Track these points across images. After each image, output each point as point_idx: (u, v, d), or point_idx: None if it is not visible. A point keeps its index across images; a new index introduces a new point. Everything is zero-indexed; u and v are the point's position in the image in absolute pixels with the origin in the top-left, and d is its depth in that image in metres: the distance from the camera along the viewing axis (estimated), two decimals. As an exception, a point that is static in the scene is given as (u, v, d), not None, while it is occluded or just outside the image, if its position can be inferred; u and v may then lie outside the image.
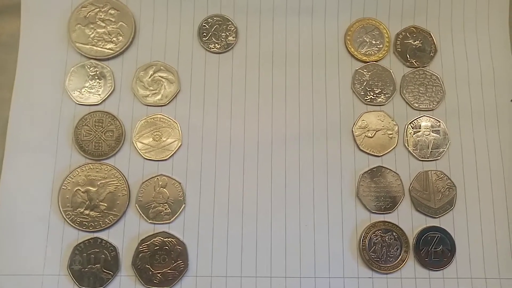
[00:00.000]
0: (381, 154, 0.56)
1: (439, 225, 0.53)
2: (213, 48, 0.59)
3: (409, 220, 0.55)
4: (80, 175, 0.55)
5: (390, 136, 0.57)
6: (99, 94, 0.58)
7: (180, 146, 0.57)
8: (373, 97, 0.59)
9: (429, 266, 0.51)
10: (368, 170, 0.54)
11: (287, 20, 0.62)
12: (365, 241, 0.51)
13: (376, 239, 0.52)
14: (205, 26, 0.60)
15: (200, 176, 0.56)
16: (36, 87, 0.59)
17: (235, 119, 0.58)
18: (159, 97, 0.58)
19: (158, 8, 0.61)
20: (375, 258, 0.52)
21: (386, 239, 0.53)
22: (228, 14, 0.61)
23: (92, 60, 0.59)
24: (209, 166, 0.56)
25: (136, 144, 0.56)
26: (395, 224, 0.52)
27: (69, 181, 0.55)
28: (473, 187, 0.55)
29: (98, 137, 0.56)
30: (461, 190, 0.54)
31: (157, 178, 0.55)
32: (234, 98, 0.59)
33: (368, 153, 0.56)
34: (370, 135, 0.57)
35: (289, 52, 0.62)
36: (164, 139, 0.57)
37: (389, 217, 0.54)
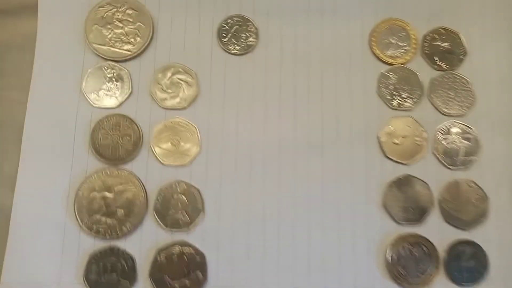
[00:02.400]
0: (409, 162, 0.51)
1: (471, 239, 0.49)
2: (233, 50, 0.56)
3: (439, 233, 0.51)
4: (96, 181, 0.52)
5: (418, 143, 0.54)
6: (116, 97, 0.55)
7: (199, 151, 0.53)
8: (400, 102, 0.55)
9: (460, 282, 0.48)
10: (395, 179, 0.50)
11: (310, 20, 0.59)
12: (392, 255, 0.47)
13: (404, 253, 0.48)
14: (224, 26, 0.56)
15: (220, 182, 0.53)
16: (52, 89, 0.56)
17: (256, 123, 0.55)
18: (177, 100, 0.55)
19: (176, 8, 0.58)
20: (403, 272, 0.48)
21: (415, 253, 0.49)
22: (249, 14, 0.59)
23: (109, 62, 0.56)
24: (229, 172, 0.53)
25: (154, 149, 0.53)
26: (424, 237, 0.49)
27: (85, 186, 0.52)
28: (507, 198, 0.51)
29: (115, 142, 0.54)
30: (494, 201, 0.50)
31: (176, 185, 0.52)
32: (255, 102, 0.56)
33: (395, 161, 0.52)
34: (397, 142, 0.53)
35: (311, 54, 0.59)
36: (183, 144, 0.53)
37: (418, 229, 0.50)
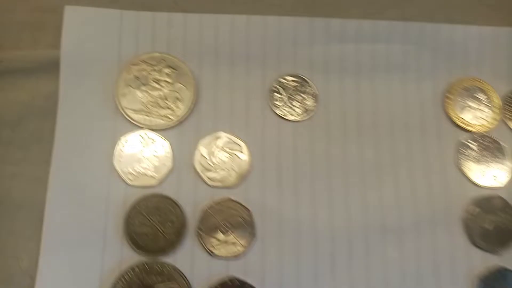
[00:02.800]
0: (502, 251, 0.43)
1: None
2: (288, 115, 0.49)
3: None
4: (133, 277, 0.43)
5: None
6: (155, 173, 0.45)
7: (254, 239, 0.44)
8: (485, 177, 0.47)
9: None
10: (486, 273, 0.42)
11: (375, 80, 0.50)
12: None
13: None
14: (277, 88, 0.48)
15: (281, 278, 0.45)
16: (77, 163, 0.47)
17: (319, 203, 0.48)
18: (226, 176, 0.48)
19: (221, 66, 0.51)
20: None
21: None
22: (305, 73, 0.50)
23: (146, 131, 0.46)
24: (290, 264, 0.46)
25: (201, 237, 0.44)
26: None
27: (119, 284, 0.42)
28: None
29: (155, 229, 0.45)
30: None
31: (227, 281, 0.43)
32: (316, 177, 0.48)
33: (484, 249, 0.43)
34: (486, 226, 0.45)
35: (378, 119, 0.52)
36: (234, 230, 0.44)
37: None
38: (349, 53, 0.52)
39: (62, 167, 0.46)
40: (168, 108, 0.49)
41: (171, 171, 0.47)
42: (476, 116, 0.51)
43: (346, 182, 0.48)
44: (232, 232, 0.44)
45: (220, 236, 0.46)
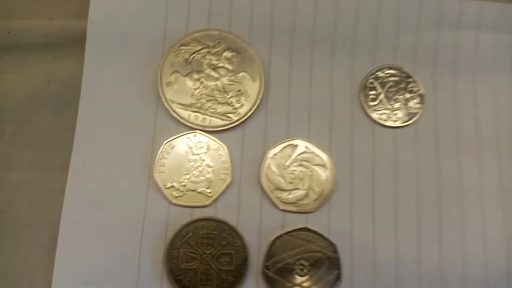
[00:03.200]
0: None
1: None
2: (385, 119, 0.39)
3: None
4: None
5: None
6: (208, 189, 0.37)
7: (339, 284, 0.36)
8: None
9: None
10: None
11: (497, 79, 0.40)
12: None
13: None
14: (372, 84, 0.35)
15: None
16: (103, 173, 0.37)
17: (426, 237, 0.38)
18: (302, 197, 0.37)
19: (298, 52, 0.40)
20: None
21: None
22: (407, 66, 0.40)
23: (197, 132, 0.35)
24: None
25: (269, 279, 0.34)
26: None
27: None
28: None
29: (207, 265, 0.35)
30: None
31: None
32: (423, 202, 0.38)
33: None
34: None
35: (501, 129, 0.40)
36: (313, 271, 0.36)
37: None
38: (467, 42, 0.41)
39: (82, 178, 0.37)
40: (228, 103, 0.37)
41: (229, 187, 0.37)
42: None
43: (461, 209, 0.38)
44: (310, 273, 0.32)
45: (295, 278, 0.33)
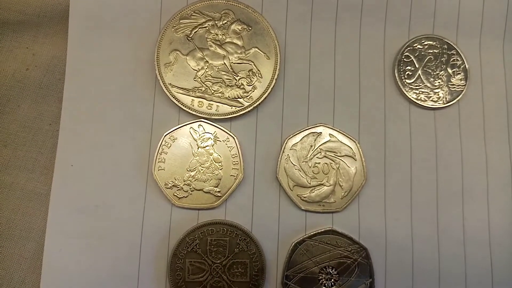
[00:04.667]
0: None
1: None
2: (424, 99, 0.34)
3: None
4: None
5: None
6: (216, 187, 0.32)
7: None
8: None
9: None
10: None
11: None
12: None
13: None
14: (408, 57, 0.33)
15: None
16: (94, 172, 0.32)
17: (475, 235, 0.33)
18: (327, 194, 0.33)
19: (318, 22, 0.35)
20: None
21: None
22: (450, 36, 0.33)
23: (202, 122, 0.31)
24: None
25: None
26: None
27: None
28: None
29: (217, 276, 0.31)
30: None
31: None
32: (470, 195, 0.34)
33: None
34: None
35: None
36: (342, 280, 0.33)
37: None
38: None
39: (70, 178, 0.32)
40: (238, 86, 0.31)
41: (240, 185, 0.33)
42: None
43: None
44: (338, 283, 0.32)
45: None
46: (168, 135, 0.32)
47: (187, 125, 0.32)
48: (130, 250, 0.31)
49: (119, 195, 0.31)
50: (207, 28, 0.34)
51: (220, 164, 0.32)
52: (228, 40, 0.33)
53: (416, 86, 0.34)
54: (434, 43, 0.34)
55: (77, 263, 0.30)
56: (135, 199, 0.31)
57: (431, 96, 0.33)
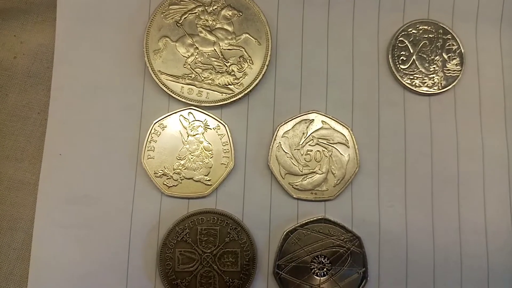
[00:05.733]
0: None
1: None
2: (419, 85, 0.33)
3: None
4: None
5: None
6: (207, 176, 0.31)
7: (365, 283, 0.31)
8: None
9: None
10: None
11: None
12: None
13: None
14: (403, 43, 0.33)
15: None
16: (83, 162, 0.32)
17: (472, 223, 0.33)
18: (319, 182, 0.32)
19: (310, 7, 0.34)
20: None
21: None
22: (445, 20, 0.32)
23: (192, 109, 0.31)
24: None
25: (282, 282, 0.28)
26: None
27: None
28: None
29: (208, 265, 0.31)
30: None
31: None
32: (466, 182, 0.33)
33: None
34: None
35: None
36: (335, 269, 0.32)
37: None
38: None
39: (58, 168, 0.32)
40: (228, 73, 0.31)
41: (231, 174, 0.32)
42: None
43: None
44: (330, 272, 0.31)
45: (313, 279, 0.28)
46: (157, 123, 0.32)
47: (177, 113, 0.32)
48: (120, 240, 0.31)
49: (108, 185, 0.31)
50: (197, 14, 0.33)
51: (210, 152, 0.32)
52: (218, 26, 0.33)
53: (411, 71, 0.33)
54: (429, 27, 0.33)
55: (66, 253, 0.30)
56: (124, 189, 0.31)
57: (426, 82, 0.33)
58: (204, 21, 0.33)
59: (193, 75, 0.32)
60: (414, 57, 0.33)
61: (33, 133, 0.32)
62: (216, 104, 0.32)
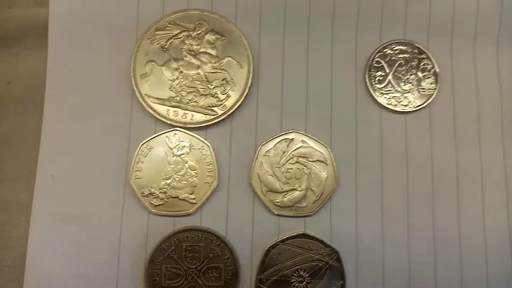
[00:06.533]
0: None
1: None
2: (395, 104, 0.35)
3: None
4: None
5: None
6: (192, 194, 0.33)
7: None
8: None
9: None
10: None
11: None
12: None
13: None
14: (379, 63, 0.35)
15: None
16: (73, 181, 0.33)
17: (447, 236, 0.34)
18: (299, 199, 0.33)
19: (292, 30, 0.36)
20: None
21: None
22: (420, 40, 0.34)
23: (177, 130, 0.33)
24: None
25: None
26: None
27: None
28: None
29: (193, 281, 0.32)
30: None
31: None
32: (440, 197, 0.34)
33: None
34: None
35: None
36: (314, 283, 0.33)
37: None
38: (489, 9, 0.36)
39: (51, 189, 0.33)
40: (212, 95, 0.33)
41: (215, 192, 0.34)
42: None
43: (484, 205, 0.34)
44: (310, 285, 0.33)
45: None
46: (144, 144, 0.33)
47: (163, 134, 0.33)
48: (109, 257, 0.32)
49: (98, 204, 0.33)
50: (182, 38, 0.34)
51: (195, 171, 0.33)
52: (202, 50, 0.34)
53: (387, 91, 0.34)
54: (405, 47, 0.35)
55: (59, 270, 0.32)
56: (113, 208, 0.33)
57: (401, 101, 0.34)
58: (188, 45, 0.34)
59: (178, 98, 0.34)
60: (390, 76, 0.34)
61: (27, 156, 0.33)
62: (201, 125, 0.34)
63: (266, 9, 0.35)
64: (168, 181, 0.33)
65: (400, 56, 0.35)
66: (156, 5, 0.35)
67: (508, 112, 0.35)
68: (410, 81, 0.34)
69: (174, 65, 0.34)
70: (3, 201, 0.33)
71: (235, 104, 0.34)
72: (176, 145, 0.33)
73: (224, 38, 0.34)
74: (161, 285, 0.32)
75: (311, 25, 0.35)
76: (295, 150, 0.34)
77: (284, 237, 0.33)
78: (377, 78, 0.34)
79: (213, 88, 0.34)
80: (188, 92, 0.34)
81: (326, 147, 0.34)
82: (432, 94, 0.34)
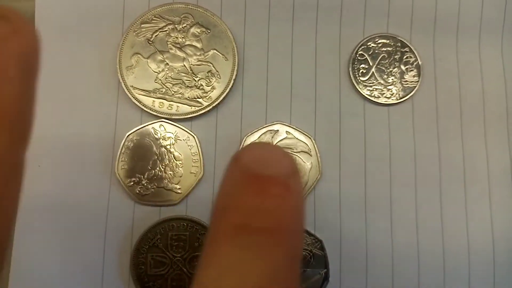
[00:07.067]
0: None
1: None
2: (378, 96, 0.35)
3: None
4: None
5: None
6: (177, 184, 0.33)
7: (326, 284, 0.29)
8: None
9: None
10: None
11: (508, 42, 0.36)
12: None
13: None
14: (362, 56, 0.35)
15: None
16: (60, 172, 0.34)
17: (427, 228, 0.34)
18: None
19: (276, 23, 0.36)
20: None
21: None
22: (403, 34, 0.35)
23: (163, 122, 0.32)
24: None
25: None
26: None
27: None
28: None
29: (178, 269, 0.33)
30: None
31: None
32: (422, 190, 0.35)
33: None
34: None
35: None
36: None
37: None
38: (471, 2, 0.36)
39: (38, 179, 0.33)
40: (197, 87, 0.33)
41: (200, 182, 0.34)
42: None
43: (467, 196, 0.34)
44: None
45: (277, 282, 0.29)
46: (130, 135, 0.33)
47: (149, 125, 0.34)
48: (95, 246, 0.32)
49: (84, 194, 0.33)
50: (167, 31, 0.35)
51: (180, 162, 0.33)
52: (187, 43, 0.35)
53: (370, 83, 0.35)
54: (388, 41, 0.35)
55: (45, 259, 0.32)
56: (99, 198, 0.33)
57: (384, 93, 0.35)
58: (174, 38, 0.35)
59: (164, 90, 0.34)
60: (373, 69, 0.35)
61: (14, 146, 0.34)
62: (186, 116, 0.34)
63: (251, 2, 0.35)
64: (154, 172, 0.33)
65: (383, 49, 0.35)
66: (141, -1, 0.35)
67: (490, 104, 0.35)
68: (393, 74, 0.35)
69: (160, 57, 0.34)
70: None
71: (220, 95, 0.34)
72: (162, 136, 0.34)
73: (209, 31, 0.35)
74: (147, 274, 0.32)
75: (295, 18, 0.35)
76: (279, 141, 0.34)
77: (269, 227, 0.33)
78: (360, 71, 0.35)
79: (199, 80, 0.34)
80: (174, 84, 0.34)
81: (310, 138, 0.34)
82: (415, 86, 0.35)
